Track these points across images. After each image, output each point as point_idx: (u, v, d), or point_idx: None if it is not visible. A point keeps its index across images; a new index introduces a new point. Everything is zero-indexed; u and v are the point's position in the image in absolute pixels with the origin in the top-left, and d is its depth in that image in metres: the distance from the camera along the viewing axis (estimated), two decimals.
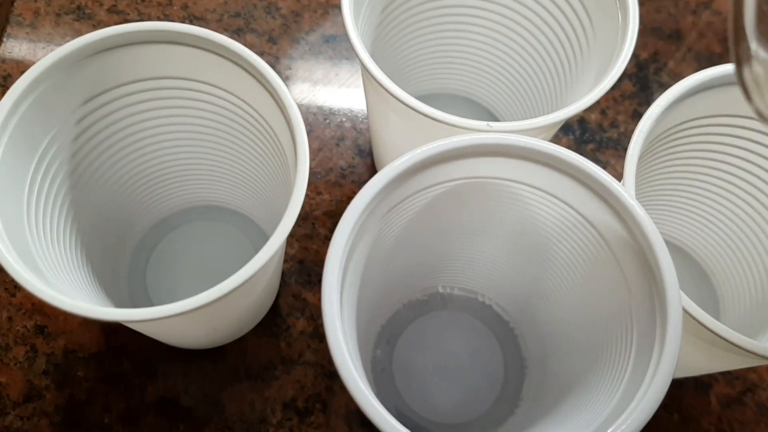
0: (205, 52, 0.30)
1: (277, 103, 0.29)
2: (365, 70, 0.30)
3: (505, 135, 0.27)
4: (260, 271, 0.26)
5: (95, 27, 0.45)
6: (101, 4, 0.46)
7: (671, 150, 0.34)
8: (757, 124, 0.33)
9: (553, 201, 0.29)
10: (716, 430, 0.38)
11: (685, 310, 0.26)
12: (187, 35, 0.29)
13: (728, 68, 0.30)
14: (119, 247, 0.38)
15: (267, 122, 0.31)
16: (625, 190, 0.26)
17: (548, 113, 0.30)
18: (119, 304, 0.36)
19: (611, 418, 0.22)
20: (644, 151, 0.31)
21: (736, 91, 0.21)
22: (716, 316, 0.39)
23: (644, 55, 0.48)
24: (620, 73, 0.30)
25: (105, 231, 0.36)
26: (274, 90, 0.29)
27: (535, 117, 0.30)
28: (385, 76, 0.29)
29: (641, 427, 0.21)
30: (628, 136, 0.45)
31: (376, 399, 0.22)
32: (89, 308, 0.25)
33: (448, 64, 0.43)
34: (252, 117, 0.32)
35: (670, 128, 0.32)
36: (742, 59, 0.19)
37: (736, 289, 0.39)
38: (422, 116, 0.28)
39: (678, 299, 0.24)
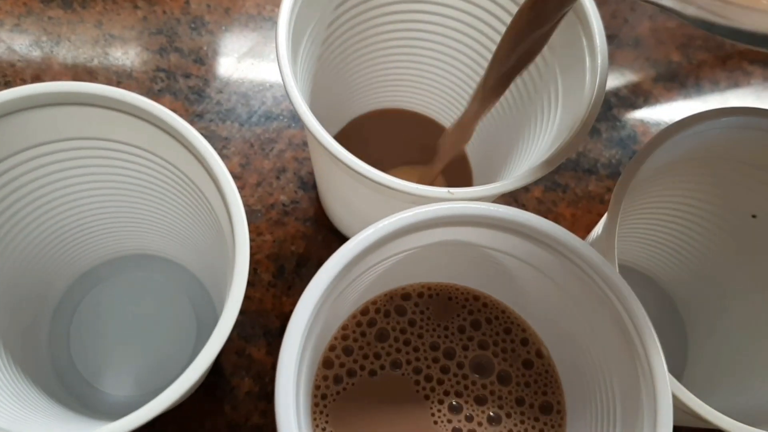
0: (119, 113, 0.26)
1: (210, 176, 0.25)
2: (308, 130, 0.26)
3: (469, 204, 0.24)
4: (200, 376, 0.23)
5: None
6: (2, 23, 0.41)
7: (645, 191, 0.32)
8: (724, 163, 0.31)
9: (531, 269, 0.26)
10: None
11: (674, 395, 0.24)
12: (99, 97, 0.25)
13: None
14: (37, 314, 0.34)
15: (198, 187, 0.28)
16: (612, 269, 0.24)
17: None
18: (40, 379, 0.32)
19: None
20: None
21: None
22: (685, 350, 0.38)
23: None
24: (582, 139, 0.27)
25: (18, 300, 0.32)
26: (206, 162, 0.25)
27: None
28: (336, 143, 0.26)
29: None
30: (586, 155, 0.42)
31: None
32: None
33: (398, 81, 0.40)
34: (179, 177, 0.29)
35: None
36: None
37: (704, 319, 0.38)
38: (377, 185, 0.25)
39: (667, 387, 0.23)
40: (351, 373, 0.28)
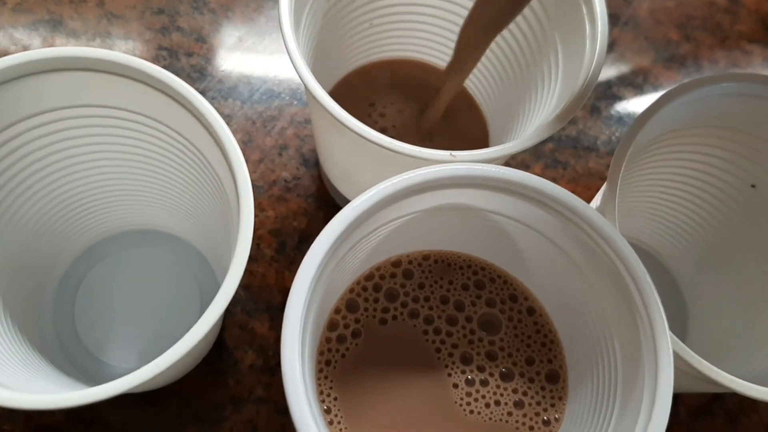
0: (126, 79, 0.26)
1: (215, 140, 0.26)
2: (311, 96, 0.26)
3: (472, 165, 0.25)
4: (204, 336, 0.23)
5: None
6: (4, 3, 0.41)
7: (644, 161, 0.32)
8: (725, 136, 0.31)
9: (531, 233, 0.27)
10: None
11: (676, 354, 0.24)
12: (104, 62, 0.25)
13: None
14: (42, 286, 0.34)
15: (203, 155, 0.28)
16: (612, 226, 0.24)
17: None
18: (45, 350, 0.32)
19: None
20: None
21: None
22: (684, 323, 0.38)
23: None
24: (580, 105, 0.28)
25: (24, 271, 0.32)
26: (211, 126, 0.25)
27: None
28: (339, 108, 0.26)
29: None
30: (586, 133, 0.42)
31: None
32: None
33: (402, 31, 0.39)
34: (184, 146, 0.29)
35: (643, 145, 0.30)
36: None
37: (704, 294, 0.38)
38: (379, 147, 0.25)
39: (667, 342, 0.23)
40: (355, 334, 0.28)
